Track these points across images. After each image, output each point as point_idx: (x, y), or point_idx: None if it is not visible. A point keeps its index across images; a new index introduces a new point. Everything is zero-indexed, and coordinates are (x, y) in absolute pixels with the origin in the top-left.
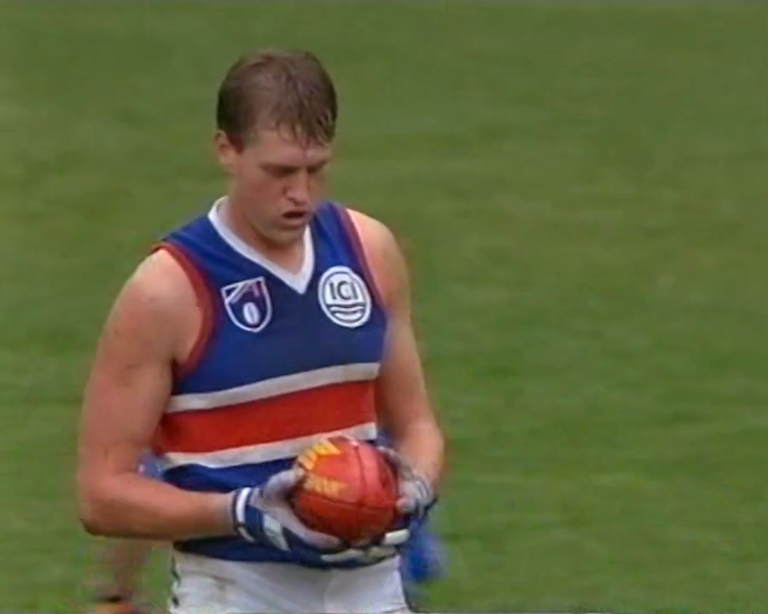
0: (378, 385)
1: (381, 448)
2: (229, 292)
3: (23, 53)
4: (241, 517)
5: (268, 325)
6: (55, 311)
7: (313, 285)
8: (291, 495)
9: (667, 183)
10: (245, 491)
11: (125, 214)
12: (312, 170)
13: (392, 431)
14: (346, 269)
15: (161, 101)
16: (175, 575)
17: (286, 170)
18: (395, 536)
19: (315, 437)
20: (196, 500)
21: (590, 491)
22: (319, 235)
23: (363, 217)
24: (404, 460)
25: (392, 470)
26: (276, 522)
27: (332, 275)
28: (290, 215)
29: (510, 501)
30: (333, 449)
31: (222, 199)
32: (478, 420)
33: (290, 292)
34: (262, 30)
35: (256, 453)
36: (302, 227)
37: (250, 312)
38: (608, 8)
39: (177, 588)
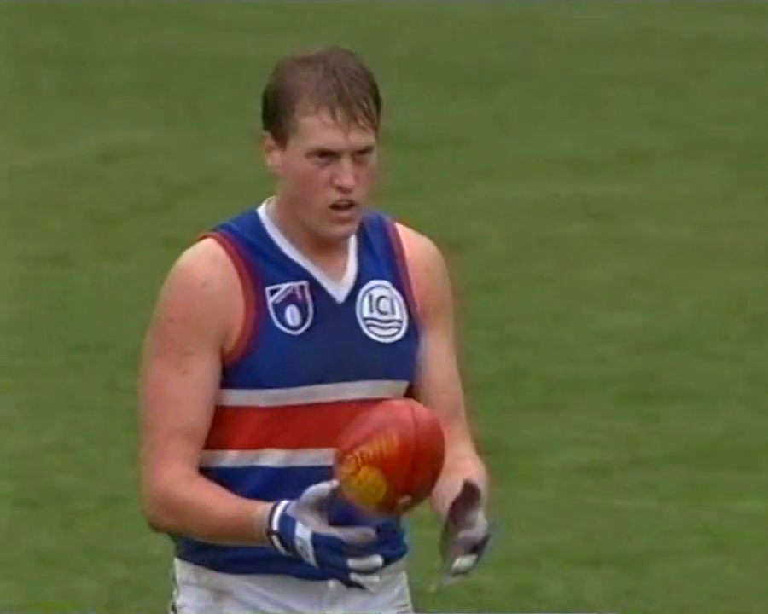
0: None
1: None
2: (273, 292)
3: (161, 77)
4: (275, 525)
5: (307, 330)
6: None
7: (353, 295)
8: (326, 507)
9: None
10: (284, 502)
11: None
12: (357, 157)
13: None
14: (387, 283)
15: None
16: (174, 582)
17: (330, 156)
18: (463, 563)
19: (334, 451)
20: (242, 504)
21: (729, 517)
22: (365, 246)
23: (411, 233)
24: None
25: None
26: (306, 530)
27: (373, 288)
28: (338, 207)
29: (648, 527)
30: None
31: (272, 197)
32: (616, 445)
33: (330, 299)
34: (398, 53)
35: (274, 457)
36: (353, 221)
37: (292, 314)
38: (747, 31)
39: (175, 598)
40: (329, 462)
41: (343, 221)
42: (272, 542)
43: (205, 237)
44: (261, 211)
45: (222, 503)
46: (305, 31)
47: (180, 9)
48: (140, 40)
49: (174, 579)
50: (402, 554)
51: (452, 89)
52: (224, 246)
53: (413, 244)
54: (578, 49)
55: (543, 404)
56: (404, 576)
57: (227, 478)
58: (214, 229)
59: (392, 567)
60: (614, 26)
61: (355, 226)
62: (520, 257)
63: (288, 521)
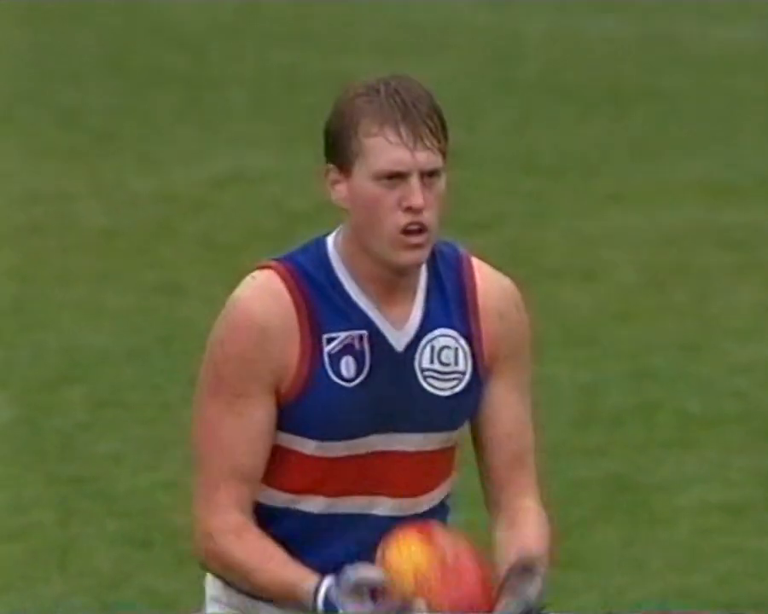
0: (482, 453)
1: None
2: (330, 340)
3: (278, 99)
4: (321, 606)
5: (362, 382)
6: None
7: (413, 344)
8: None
9: None
10: (327, 582)
11: None
12: (426, 180)
13: (494, 503)
14: (453, 332)
15: None
16: (207, 594)
17: (397, 179)
18: None
19: (378, 499)
20: (287, 576)
21: None
22: (435, 287)
23: (488, 270)
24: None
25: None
26: None
27: (436, 337)
28: (409, 232)
29: None
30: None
31: (343, 226)
32: (753, 483)
33: (389, 348)
34: (526, 75)
35: (312, 504)
36: (424, 248)
37: (347, 365)
38: None
39: (206, 609)
40: (370, 510)
41: (414, 247)
42: None
43: (267, 266)
44: (330, 241)
45: (267, 569)
46: (428, 51)
47: (297, 29)
48: (257, 61)
49: (204, 591)
50: None
51: (584, 110)
52: (286, 282)
53: (488, 284)
54: (714, 69)
55: (676, 440)
56: None
57: (265, 516)
58: (278, 259)
59: None
60: (753, 44)
61: (426, 253)
62: (654, 287)
63: (330, 607)
